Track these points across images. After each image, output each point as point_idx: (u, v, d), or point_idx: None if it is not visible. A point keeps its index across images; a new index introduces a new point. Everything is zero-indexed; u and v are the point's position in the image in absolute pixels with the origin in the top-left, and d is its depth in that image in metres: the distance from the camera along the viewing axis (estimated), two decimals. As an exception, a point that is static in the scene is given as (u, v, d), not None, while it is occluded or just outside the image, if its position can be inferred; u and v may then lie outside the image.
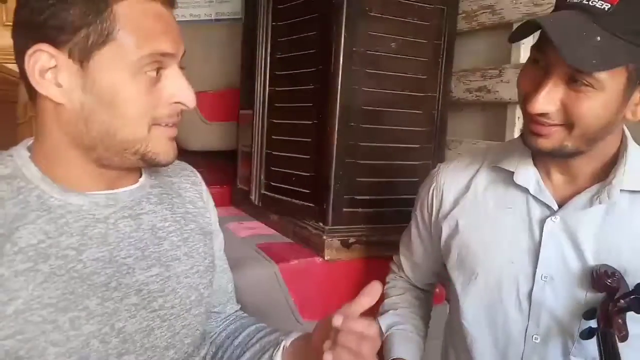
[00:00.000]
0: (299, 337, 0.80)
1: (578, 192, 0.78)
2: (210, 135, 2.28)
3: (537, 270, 0.80)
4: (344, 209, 1.44)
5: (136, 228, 0.70)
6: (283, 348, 0.78)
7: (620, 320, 0.70)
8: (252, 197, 1.87)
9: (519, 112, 1.39)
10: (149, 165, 0.69)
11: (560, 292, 0.79)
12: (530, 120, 0.72)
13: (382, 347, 0.94)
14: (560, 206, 0.79)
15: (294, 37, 1.58)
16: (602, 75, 0.66)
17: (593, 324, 0.73)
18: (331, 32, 1.37)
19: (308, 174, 1.53)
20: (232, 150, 2.17)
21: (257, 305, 1.35)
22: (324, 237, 1.42)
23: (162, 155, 0.67)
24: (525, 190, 0.82)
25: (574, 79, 0.67)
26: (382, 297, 1.05)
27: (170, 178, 0.82)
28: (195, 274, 0.76)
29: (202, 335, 0.79)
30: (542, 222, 0.80)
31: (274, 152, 1.72)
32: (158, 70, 0.64)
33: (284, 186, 1.66)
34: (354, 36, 1.37)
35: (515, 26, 1.37)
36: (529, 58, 0.75)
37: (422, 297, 1.08)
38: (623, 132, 0.79)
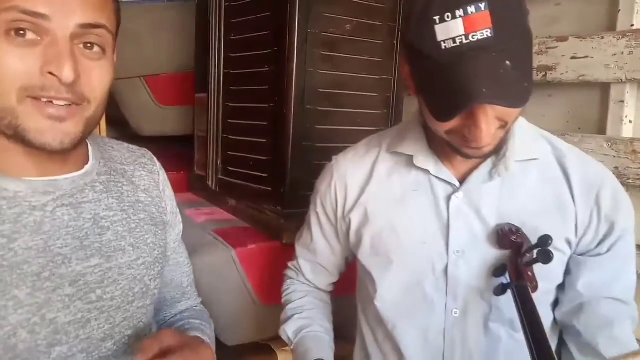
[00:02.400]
0: None
1: (475, 168, 0.81)
2: (164, 120, 2.23)
3: (449, 246, 0.82)
4: (302, 193, 1.43)
5: (76, 217, 0.68)
6: None
7: (529, 273, 0.75)
8: (209, 183, 1.84)
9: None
10: (27, 146, 0.61)
11: (473, 263, 0.81)
12: (471, 141, 0.71)
13: (294, 353, 0.95)
14: (461, 183, 0.82)
15: (248, 18, 1.54)
16: None
17: (504, 280, 0.77)
18: (285, 14, 1.35)
19: (265, 158, 1.52)
20: (189, 136, 2.12)
21: (214, 289, 1.34)
22: (282, 221, 1.41)
23: (34, 134, 0.59)
24: (427, 172, 0.84)
25: None
26: (283, 306, 1.03)
27: (123, 166, 0.79)
28: (141, 265, 0.74)
29: (146, 326, 0.77)
30: (448, 200, 0.82)
31: (230, 136, 1.69)
32: (37, 38, 0.58)
33: (241, 170, 1.64)
34: (309, 18, 1.36)
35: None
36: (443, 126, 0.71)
37: (325, 298, 1.05)
38: None
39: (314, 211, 0.98)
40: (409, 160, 0.86)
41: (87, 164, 0.72)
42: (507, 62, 0.63)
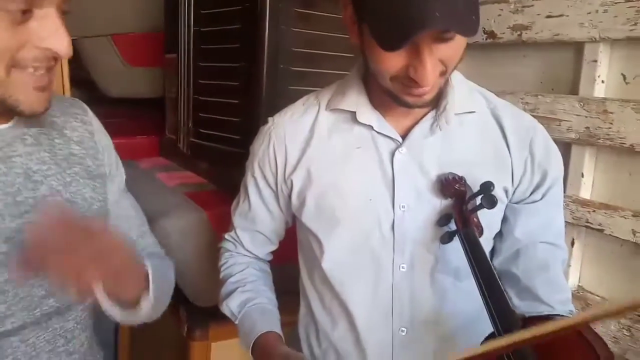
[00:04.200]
0: None
1: (416, 122, 0.83)
2: (133, 81, 2.16)
3: (394, 202, 0.82)
4: (275, 154, 1.41)
5: (6, 172, 0.65)
6: None
7: (475, 219, 0.77)
8: (181, 146, 1.80)
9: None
10: (12, 113, 0.63)
11: (419, 217, 0.82)
12: (414, 88, 0.72)
13: (240, 327, 0.92)
14: (403, 138, 0.83)
15: (219, -27, 1.49)
16: None
17: (449, 229, 0.80)
18: (257, -32, 1.30)
19: (236, 119, 1.48)
20: (159, 98, 2.06)
21: (185, 251, 1.33)
22: (255, 183, 1.39)
23: (25, 105, 0.61)
24: (370, 128, 0.83)
25: (443, 36, 0.68)
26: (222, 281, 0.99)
27: (53, 117, 0.75)
28: None
29: None
30: (392, 155, 0.83)
31: (201, 97, 1.65)
32: (28, 10, 0.57)
33: (212, 133, 1.60)
34: (282, -28, 1.31)
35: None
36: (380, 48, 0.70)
37: (265, 267, 1.03)
38: None
39: (251, 177, 0.94)
40: (350, 117, 0.85)
41: (13, 117, 0.69)
42: None
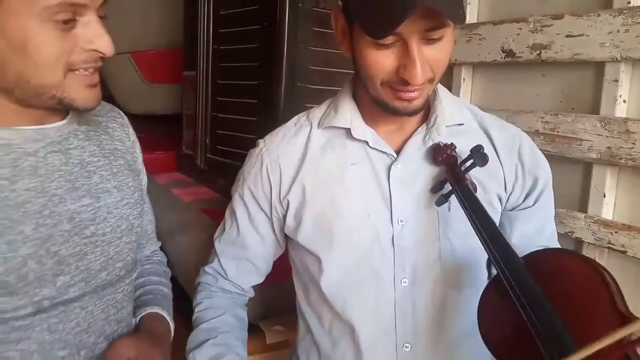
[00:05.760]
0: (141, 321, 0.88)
1: (407, 137, 0.85)
2: (152, 98, 2.20)
3: (392, 217, 0.82)
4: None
5: (65, 162, 0.75)
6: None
7: (468, 176, 0.80)
8: (198, 162, 1.82)
9: (465, 73, 1.40)
10: (68, 110, 0.74)
11: (418, 230, 0.83)
12: (404, 90, 0.74)
13: None
14: (397, 152, 0.84)
15: (238, -8, 1.51)
16: (448, 21, 0.69)
17: (443, 193, 0.81)
18: (276, -13, 1.32)
19: (255, 137, 1.48)
20: (177, 115, 2.09)
21: (200, 267, 1.32)
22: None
23: (80, 102, 0.70)
24: (364, 143, 0.84)
25: (430, 35, 0.70)
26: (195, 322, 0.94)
27: (97, 117, 0.85)
28: (125, 205, 0.82)
29: (133, 261, 0.86)
30: (388, 170, 0.83)
31: (219, 115, 1.67)
32: (72, 19, 0.65)
33: (230, 149, 1.62)
34: (300, -8, 1.33)
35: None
36: (371, 48, 0.72)
37: (242, 314, 0.97)
38: None
39: (240, 200, 0.91)
40: (344, 134, 0.85)
41: (68, 114, 0.78)
42: None
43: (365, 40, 0.72)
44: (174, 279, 1.48)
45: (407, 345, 0.84)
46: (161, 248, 1.52)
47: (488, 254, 0.71)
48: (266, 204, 0.89)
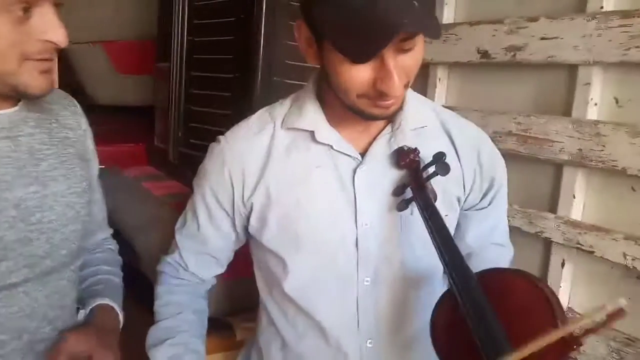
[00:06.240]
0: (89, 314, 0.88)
1: (372, 139, 0.85)
2: (122, 89, 2.15)
3: (357, 219, 0.83)
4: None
5: (14, 149, 0.75)
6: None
7: (429, 186, 0.82)
8: (170, 155, 1.78)
9: (440, 73, 1.40)
10: (21, 96, 0.74)
11: (381, 232, 0.84)
12: (381, 100, 0.74)
13: None
14: (362, 155, 0.84)
15: (215, -17, 1.48)
16: None
17: (404, 198, 0.83)
18: (253, -20, 1.30)
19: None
20: (148, 107, 2.04)
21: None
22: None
23: (33, 89, 0.70)
24: (328, 147, 0.83)
25: (404, 46, 0.70)
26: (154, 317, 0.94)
27: (49, 105, 0.84)
28: (72, 194, 0.82)
29: (78, 248, 0.86)
30: (353, 173, 0.83)
31: (193, 107, 1.63)
32: (27, 8, 0.65)
33: (203, 143, 1.58)
34: (278, -15, 1.31)
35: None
36: (346, 64, 0.70)
37: (201, 305, 0.97)
38: None
39: (201, 198, 0.90)
40: (308, 136, 0.84)
41: (19, 101, 0.78)
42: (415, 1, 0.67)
43: (338, 57, 0.70)
44: (141, 274, 1.45)
45: (370, 341, 0.86)
46: (130, 243, 1.49)
47: (441, 261, 0.75)
48: (228, 204, 0.88)
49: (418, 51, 0.72)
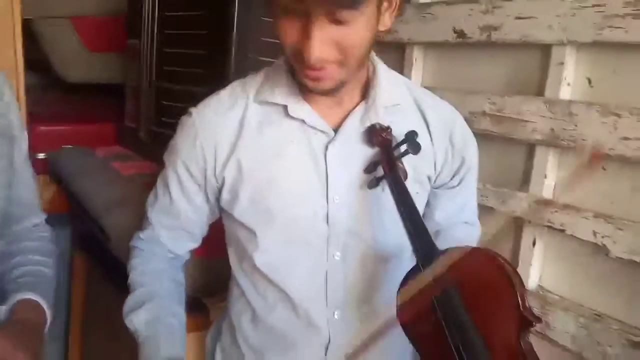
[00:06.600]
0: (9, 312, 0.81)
1: (345, 114, 0.85)
2: (93, 67, 2.09)
3: (328, 195, 0.83)
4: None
5: None
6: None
7: (400, 164, 0.82)
8: (141, 134, 1.74)
9: (416, 53, 1.40)
10: None
11: (351, 208, 0.85)
12: (307, 67, 0.73)
13: (142, 346, 0.84)
14: (335, 130, 0.84)
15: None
16: (359, 2, 0.68)
17: (375, 176, 0.84)
18: (228, -48, 1.27)
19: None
20: (119, 85, 1.99)
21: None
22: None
23: None
24: (301, 122, 0.83)
25: (336, 16, 0.68)
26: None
27: None
28: None
29: None
30: (325, 149, 0.83)
31: (165, 85, 1.60)
32: None
33: (175, 121, 1.54)
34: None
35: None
36: (278, 11, 0.71)
37: (178, 275, 0.96)
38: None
39: (174, 172, 0.88)
40: (281, 111, 0.83)
41: None
42: None
43: (275, 4, 0.69)
44: (109, 253, 1.42)
45: (337, 313, 0.87)
46: (98, 222, 1.45)
47: (408, 238, 0.76)
48: (200, 176, 0.86)
49: (355, 29, 0.70)
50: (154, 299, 0.88)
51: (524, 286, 0.69)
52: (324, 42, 0.69)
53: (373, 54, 0.87)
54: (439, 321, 0.69)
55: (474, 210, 0.98)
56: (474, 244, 0.90)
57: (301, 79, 0.76)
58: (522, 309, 0.66)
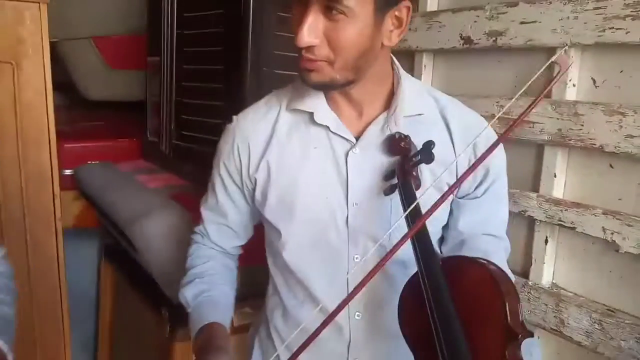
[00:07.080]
0: None
1: (368, 123, 0.89)
2: (115, 84, 2.16)
3: (348, 199, 0.89)
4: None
5: None
6: None
7: (414, 173, 0.85)
8: (163, 148, 1.80)
9: (425, 60, 1.43)
10: None
11: (370, 213, 0.89)
12: (301, 56, 0.79)
13: (190, 316, 0.95)
14: (357, 139, 0.89)
15: (202, -23, 1.50)
16: (351, 3, 0.74)
17: (391, 183, 0.87)
18: (240, -29, 1.32)
19: (220, 122, 1.49)
20: (140, 102, 2.06)
21: (170, 252, 1.33)
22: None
23: None
24: (326, 128, 0.89)
25: (330, 8, 0.74)
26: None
27: None
28: None
29: None
30: (346, 156, 0.89)
31: (184, 100, 1.66)
32: None
33: (195, 135, 1.61)
34: (264, -24, 1.34)
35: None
36: (294, 5, 0.79)
37: (229, 263, 1.05)
38: (394, 63, 0.92)
39: (218, 174, 0.98)
40: (308, 118, 0.90)
41: None
42: None
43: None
44: (136, 263, 1.47)
45: (358, 314, 0.92)
46: (124, 235, 1.51)
47: (412, 247, 0.79)
48: (238, 178, 0.96)
49: (347, 26, 0.76)
50: (203, 276, 0.98)
51: (516, 298, 0.71)
52: (314, 31, 0.75)
53: (399, 67, 0.92)
54: (432, 328, 0.71)
55: (501, 223, 0.96)
56: (501, 255, 0.92)
57: (299, 71, 0.82)
58: (509, 320, 0.67)
